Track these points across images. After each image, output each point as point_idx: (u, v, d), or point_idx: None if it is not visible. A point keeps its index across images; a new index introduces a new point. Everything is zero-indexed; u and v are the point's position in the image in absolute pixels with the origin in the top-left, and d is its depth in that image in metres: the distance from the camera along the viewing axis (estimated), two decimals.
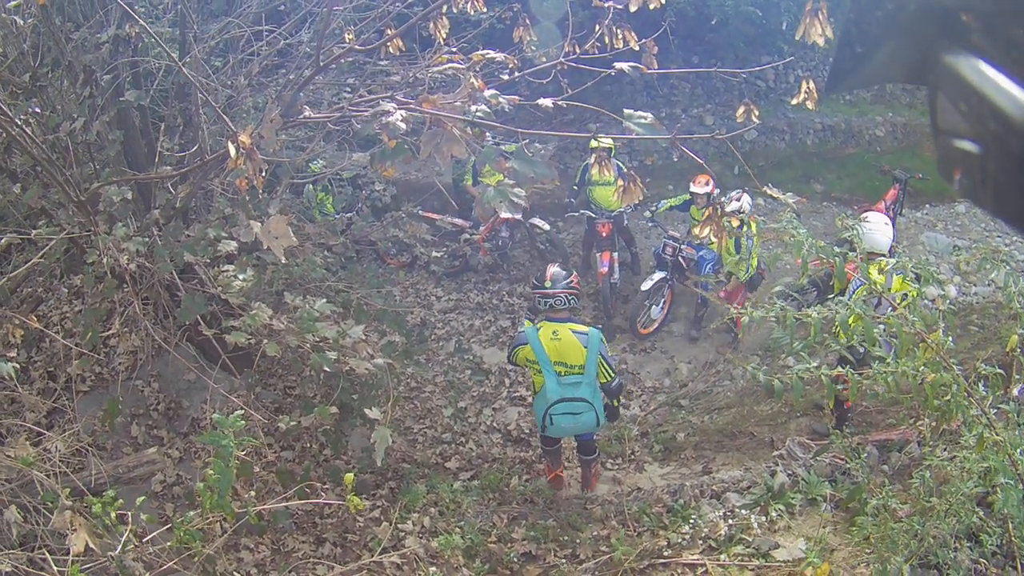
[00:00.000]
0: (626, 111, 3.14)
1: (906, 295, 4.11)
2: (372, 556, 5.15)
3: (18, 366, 4.48)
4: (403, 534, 5.98)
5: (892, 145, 14.49)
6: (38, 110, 5.15)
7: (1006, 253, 4.15)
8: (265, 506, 4.42)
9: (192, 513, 3.83)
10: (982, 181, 0.88)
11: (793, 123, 14.07)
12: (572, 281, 6.35)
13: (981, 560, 3.93)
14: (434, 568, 5.42)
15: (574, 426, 6.36)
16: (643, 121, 3.12)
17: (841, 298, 4.08)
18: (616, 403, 6.58)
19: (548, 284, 6.27)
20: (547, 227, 10.94)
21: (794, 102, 3.83)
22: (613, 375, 6.29)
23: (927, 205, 13.29)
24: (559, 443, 7.02)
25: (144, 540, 3.85)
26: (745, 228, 8.80)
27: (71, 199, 4.48)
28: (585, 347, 6.11)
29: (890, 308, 3.96)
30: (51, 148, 4.86)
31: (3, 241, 4.78)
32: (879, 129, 14.51)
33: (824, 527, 4.88)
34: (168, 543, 3.91)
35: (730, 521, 5.43)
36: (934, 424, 4.15)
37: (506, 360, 7.15)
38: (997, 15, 0.82)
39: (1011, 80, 0.79)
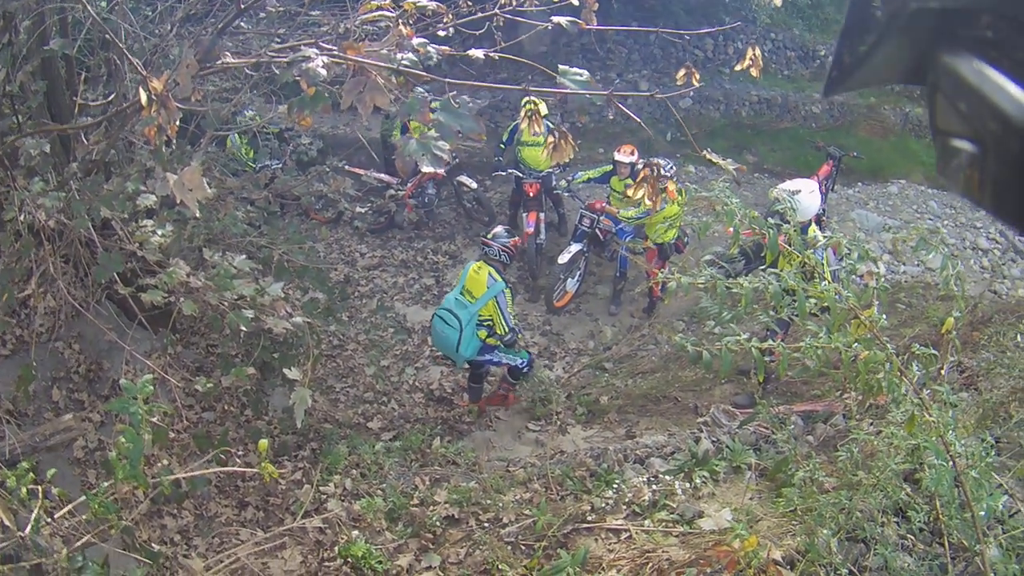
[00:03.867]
0: (561, 67, 3.14)
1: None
2: (295, 520, 5.07)
3: None
4: (325, 497, 5.92)
5: (828, 122, 14.76)
6: None
7: (942, 235, 4.21)
8: (180, 475, 4.27)
9: (106, 484, 3.66)
10: (982, 181, 0.87)
11: (729, 94, 14.17)
12: (510, 243, 7.68)
13: (908, 536, 4.03)
14: (356, 531, 5.37)
15: (441, 333, 7.44)
16: (578, 78, 3.10)
17: (773, 269, 4.09)
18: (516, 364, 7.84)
19: (490, 236, 7.73)
20: (474, 185, 10.92)
21: (738, 68, 3.84)
22: (508, 330, 7.45)
23: (859, 183, 13.60)
24: (481, 383, 8.19)
25: (59, 514, 3.68)
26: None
27: None
28: (488, 288, 7.31)
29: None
30: None
31: None
32: (815, 106, 14.70)
33: (749, 496, 4.95)
34: (85, 516, 3.76)
35: (654, 487, 5.44)
36: (861, 398, 4.24)
37: None
38: (997, 14, 0.81)
39: (1011, 80, 0.79)
